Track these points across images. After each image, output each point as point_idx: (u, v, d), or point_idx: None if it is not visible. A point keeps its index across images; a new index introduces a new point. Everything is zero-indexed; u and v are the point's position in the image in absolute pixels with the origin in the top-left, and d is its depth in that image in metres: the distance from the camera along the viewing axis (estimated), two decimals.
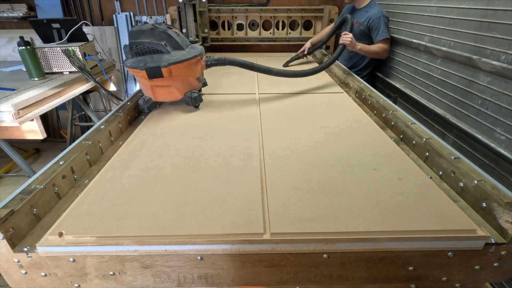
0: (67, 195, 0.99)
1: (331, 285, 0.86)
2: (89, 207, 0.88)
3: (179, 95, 1.62)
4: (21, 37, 2.01)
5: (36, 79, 2.12)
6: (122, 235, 0.78)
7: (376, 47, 2.30)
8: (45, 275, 0.82)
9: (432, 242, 0.79)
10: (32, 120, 1.78)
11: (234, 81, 2.21)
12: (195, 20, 2.93)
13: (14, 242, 0.78)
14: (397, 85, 2.38)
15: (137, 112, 1.68)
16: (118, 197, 0.93)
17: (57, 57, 2.23)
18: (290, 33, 3.42)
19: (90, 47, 2.42)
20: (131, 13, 3.40)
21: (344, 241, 0.79)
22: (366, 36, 2.40)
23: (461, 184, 0.96)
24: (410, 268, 0.83)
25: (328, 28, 2.86)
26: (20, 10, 3.23)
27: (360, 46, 2.21)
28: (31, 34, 2.63)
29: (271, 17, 3.34)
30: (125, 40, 3.46)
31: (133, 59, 1.51)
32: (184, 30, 2.88)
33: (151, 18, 3.41)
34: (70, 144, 1.43)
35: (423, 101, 2.05)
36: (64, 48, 2.20)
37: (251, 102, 1.78)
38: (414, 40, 2.12)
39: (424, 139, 1.17)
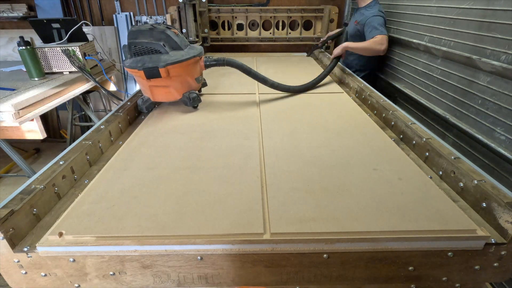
0: (67, 195, 0.99)
1: (331, 285, 0.86)
2: (89, 207, 0.88)
3: (178, 95, 1.62)
4: (21, 37, 2.01)
5: (36, 79, 2.12)
6: (122, 235, 0.78)
7: (366, 42, 2.25)
8: (45, 275, 0.82)
9: (432, 242, 0.79)
10: (32, 120, 1.79)
11: (234, 81, 2.21)
12: (195, 20, 2.93)
13: (14, 242, 0.78)
14: (397, 85, 2.38)
15: (137, 112, 1.68)
16: (118, 197, 0.93)
17: (57, 57, 2.24)
18: (290, 33, 3.42)
19: (90, 47, 2.42)
20: (131, 13, 3.40)
21: (344, 241, 0.79)
22: (361, 34, 2.40)
23: (461, 184, 0.96)
24: (410, 268, 0.83)
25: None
26: (20, 10, 3.23)
27: (346, 43, 2.22)
28: (31, 34, 2.63)
29: (271, 17, 3.35)
30: (125, 40, 3.46)
31: (132, 59, 1.51)
32: (184, 30, 2.88)
33: (151, 18, 3.41)
34: (70, 144, 1.43)
35: (423, 101, 2.05)
36: (64, 48, 2.20)
37: (251, 102, 1.78)
38: (414, 40, 2.12)
39: (424, 139, 1.17)
